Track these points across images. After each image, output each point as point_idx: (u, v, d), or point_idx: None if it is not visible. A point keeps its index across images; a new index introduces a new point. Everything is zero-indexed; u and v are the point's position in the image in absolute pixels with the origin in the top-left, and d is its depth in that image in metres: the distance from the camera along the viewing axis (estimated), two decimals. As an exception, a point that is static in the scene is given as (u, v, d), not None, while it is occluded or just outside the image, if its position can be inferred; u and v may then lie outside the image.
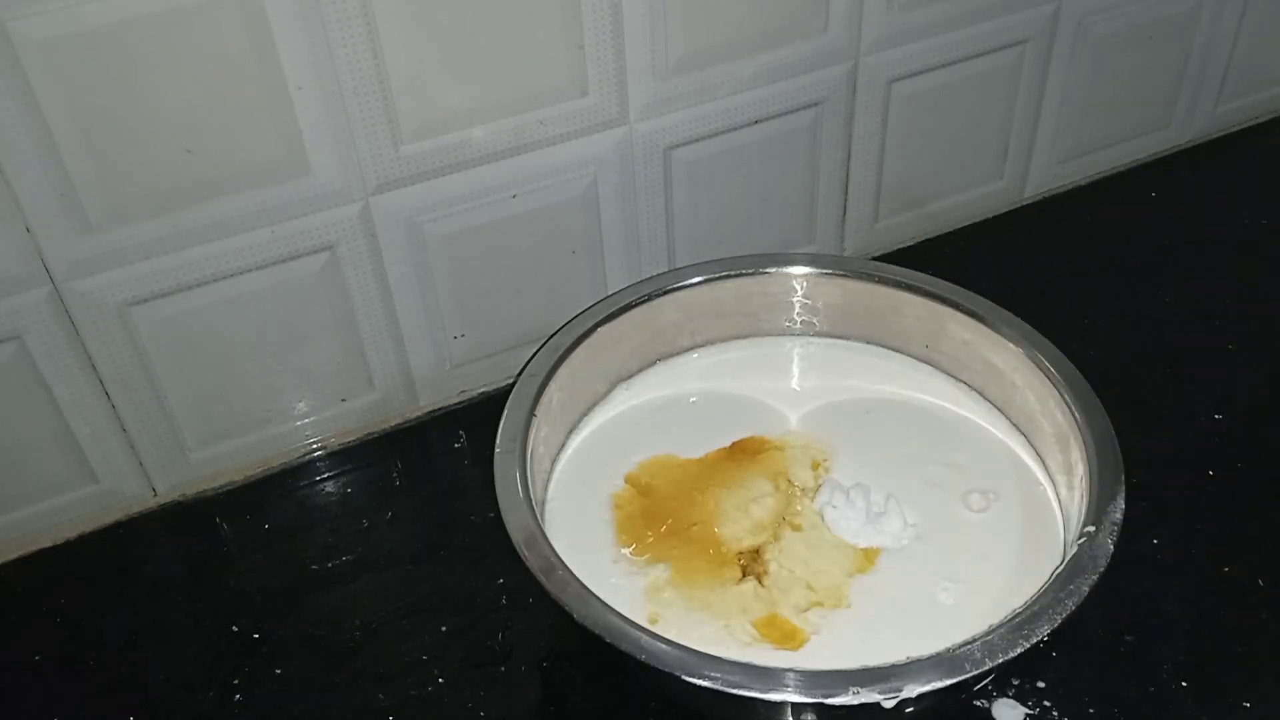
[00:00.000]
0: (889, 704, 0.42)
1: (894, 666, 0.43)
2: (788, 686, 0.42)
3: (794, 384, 0.64)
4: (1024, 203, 0.84)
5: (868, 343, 0.65)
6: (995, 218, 0.83)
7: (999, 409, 0.61)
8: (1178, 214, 0.84)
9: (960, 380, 0.62)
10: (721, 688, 0.42)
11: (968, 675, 0.42)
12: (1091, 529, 0.48)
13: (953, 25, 0.71)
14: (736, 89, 0.65)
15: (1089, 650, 0.53)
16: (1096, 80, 0.80)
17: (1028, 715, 0.51)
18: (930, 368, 0.63)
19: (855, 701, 0.42)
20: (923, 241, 0.81)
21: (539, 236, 0.65)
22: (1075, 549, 0.47)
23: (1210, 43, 0.84)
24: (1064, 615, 0.44)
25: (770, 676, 0.43)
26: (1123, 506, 0.49)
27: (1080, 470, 0.52)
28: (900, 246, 0.80)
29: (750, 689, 0.42)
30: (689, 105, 0.65)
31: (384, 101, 0.56)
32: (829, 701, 0.42)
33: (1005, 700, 0.51)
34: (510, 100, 0.59)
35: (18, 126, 0.49)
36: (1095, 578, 0.46)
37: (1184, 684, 0.52)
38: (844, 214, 0.76)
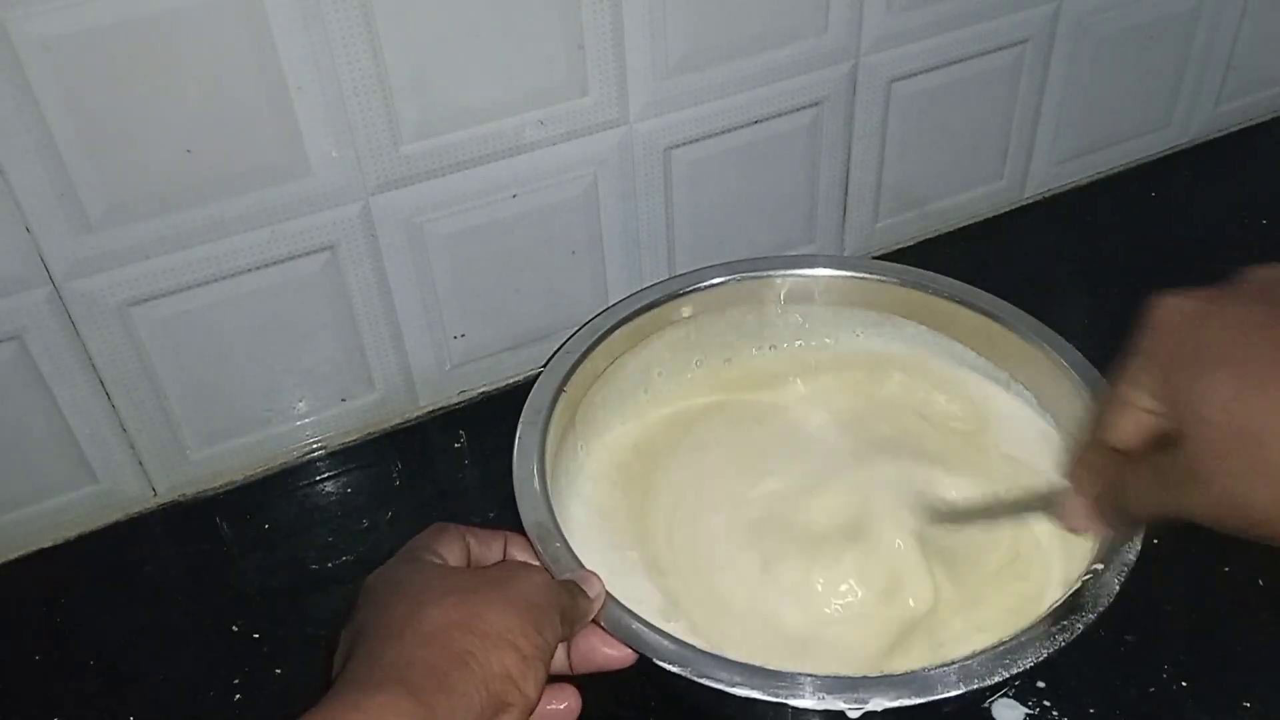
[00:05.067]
0: (854, 714, 0.42)
1: (864, 678, 0.43)
2: (752, 682, 0.43)
3: (823, 388, 0.63)
4: (1024, 203, 0.84)
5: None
6: (995, 218, 0.83)
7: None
8: (1178, 214, 0.84)
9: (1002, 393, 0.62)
10: (691, 676, 0.43)
11: (937, 697, 0.42)
12: (1099, 567, 0.46)
13: (953, 25, 0.71)
14: (736, 89, 0.65)
15: (1089, 650, 0.53)
16: (1096, 80, 0.80)
17: (1028, 715, 0.51)
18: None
19: (819, 707, 0.42)
20: (923, 241, 0.81)
21: (539, 236, 0.65)
22: (1079, 585, 0.46)
23: (1210, 43, 0.84)
24: (1050, 650, 0.43)
25: (739, 671, 0.43)
26: (1138, 549, 0.47)
27: None
28: (900, 246, 0.80)
29: (716, 679, 0.43)
30: (689, 105, 0.65)
31: (384, 101, 0.56)
32: (791, 703, 0.42)
33: (1005, 700, 0.51)
34: (510, 100, 0.59)
35: (18, 126, 0.49)
36: (1093, 617, 0.45)
37: (1184, 684, 0.52)
38: (844, 214, 0.76)
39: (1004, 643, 0.44)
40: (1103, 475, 0.42)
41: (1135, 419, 0.39)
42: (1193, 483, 0.36)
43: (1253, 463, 0.34)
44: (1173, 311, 0.38)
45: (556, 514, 0.50)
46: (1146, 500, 0.39)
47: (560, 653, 0.46)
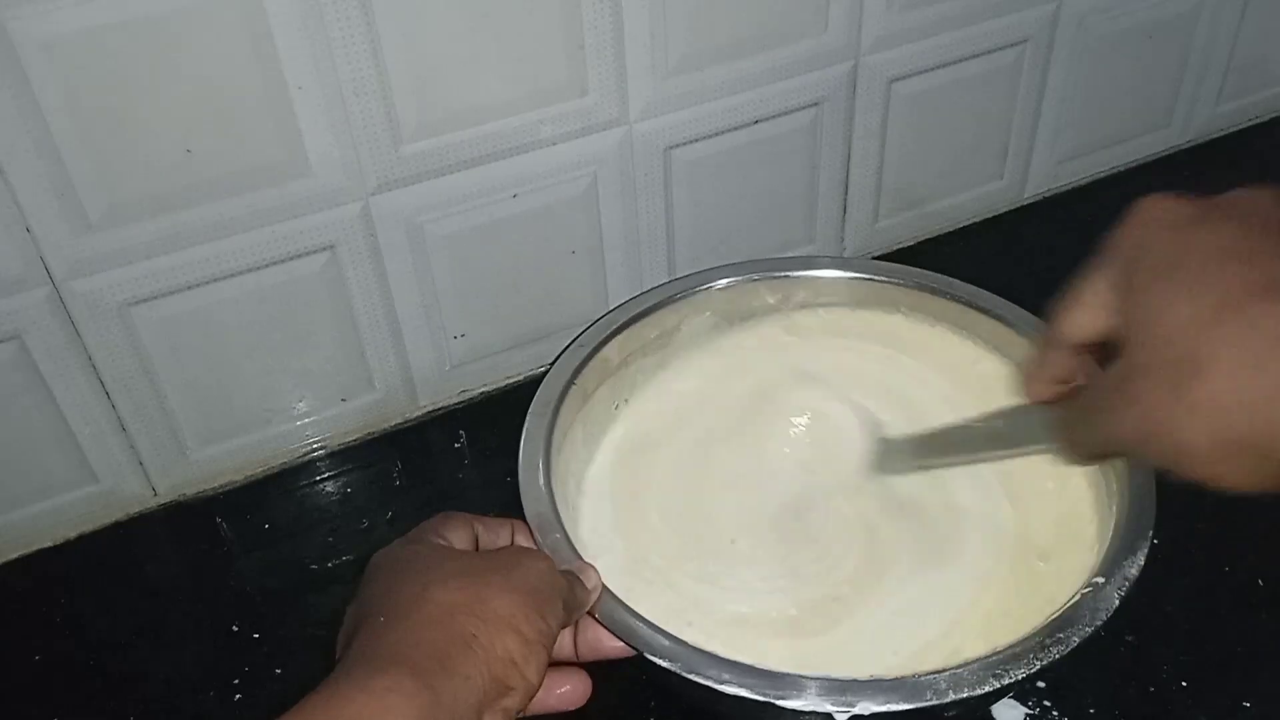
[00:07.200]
0: (841, 717, 0.42)
1: (853, 681, 0.43)
2: (741, 681, 0.42)
3: (834, 388, 0.63)
4: (1024, 203, 0.84)
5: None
6: (995, 218, 0.83)
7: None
8: (1178, 214, 0.84)
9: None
10: (681, 671, 0.43)
11: (927, 704, 0.42)
12: (1100, 580, 0.46)
13: (953, 25, 0.71)
14: (736, 89, 0.65)
15: (1089, 650, 0.53)
16: (1096, 80, 0.80)
17: (1028, 715, 0.51)
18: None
19: (806, 708, 0.42)
20: (923, 241, 0.81)
21: (539, 236, 0.65)
22: (1078, 598, 0.45)
23: (1210, 43, 0.84)
24: (1044, 663, 0.43)
25: (728, 668, 0.43)
26: (1141, 563, 0.46)
27: (1113, 515, 0.50)
28: (900, 246, 0.80)
29: (705, 676, 0.43)
30: (689, 105, 0.65)
31: (384, 101, 0.56)
32: (780, 703, 0.42)
33: (1005, 700, 0.51)
34: (510, 100, 0.59)
35: (18, 126, 0.49)
36: (1089, 630, 0.44)
37: (1184, 684, 0.52)
38: (844, 214, 0.76)
39: (998, 652, 0.43)
40: (1059, 379, 0.41)
41: (1089, 315, 0.38)
42: (1119, 405, 0.34)
43: (1185, 392, 0.31)
44: (1155, 211, 0.35)
45: (559, 505, 0.50)
46: (1086, 423, 0.37)
47: (567, 641, 0.46)
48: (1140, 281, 0.35)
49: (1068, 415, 0.39)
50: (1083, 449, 0.39)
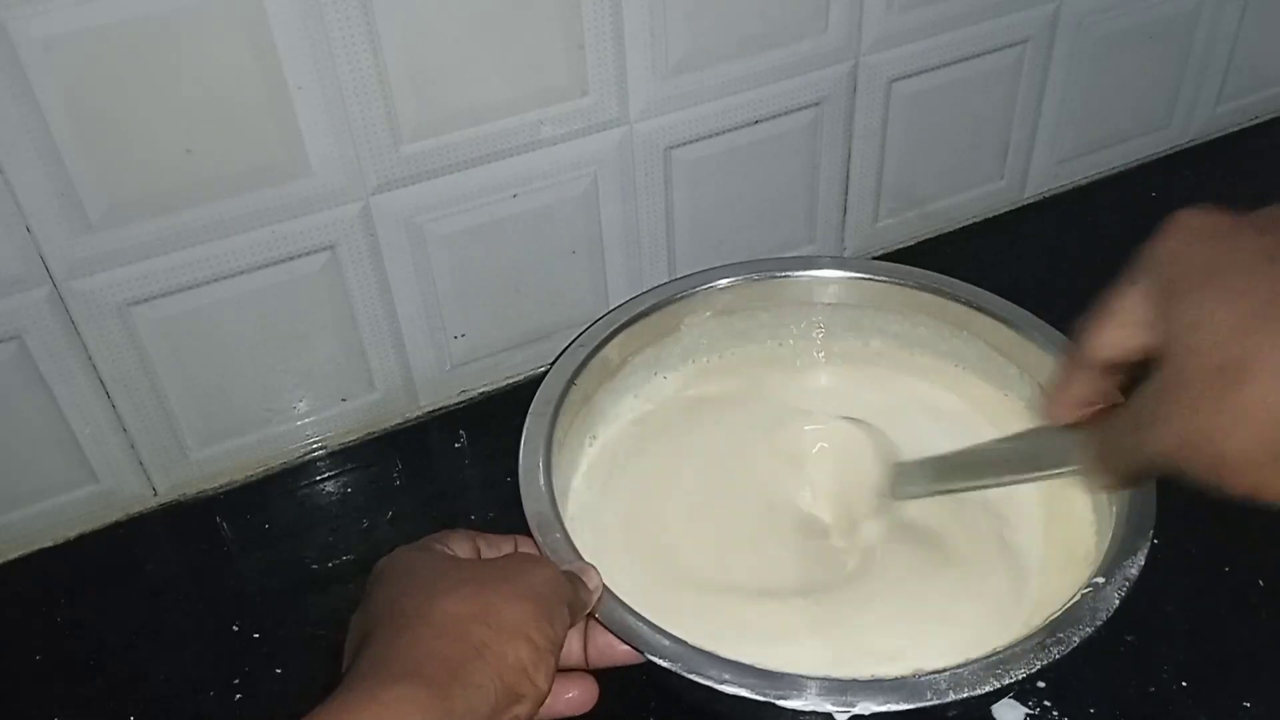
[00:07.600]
0: (841, 717, 0.42)
1: (853, 681, 0.43)
2: (741, 681, 0.43)
3: (825, 387, 0.63)
4: (1024, 203, 0.84)
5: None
6: (995, 218, 0.83)
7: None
8: (1178, 214, 0.84)
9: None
10: (681, 671, 0.43)
11: (926, 704, 0.42)
12: (1100, 580, 0.46)
13: (953, 25, 0.71)
14: (736, 89, 0.66)
15: (1089, 650, 0.53)
16: (1096, 80, 0.80)
17: (1028, 715, 0.51)
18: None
19: (806, 708, 0.42)
20: (923, 241, 0.81)
21: (539, 236, 0.65)
22: (1078, 598, 0.45)
23: (1210, 43, 0.84)
24: (1043, 663, 0.43)
25: (729, 669, 0.43)
26: (1141, 563, 0.46)
27: (1113, 513, 0.50)
28: (900, 246, 0.80)
29: (705, 676, 0.43)
30: (689, 105, 0.65)
31: (384, 101, 0.56)
32: (780, 703, 0.42)
33: (1005, 700, 0.51)
34: (510, 100, 0.59)
35: (18, 126, 0.49)
36: (1089, 630, 0.44)
37: (1184, 684, 0.52)
38: (844, 214, 0.76)
39: (998, 652, 0.43)
40: (1086, 401, 0.39)
41: (1122, 332, 0.36)
42: (1162, 418, 0.33)
43: (1228, 401, 0.31)
44: (1186, 226, 0.35)
45: (559, 505, 0.50)
46: (1122, 441, 0.36)
47: (576, 647, 0.46)
48: (1177, 292, 0.34)
49: (1099, 435, 0.38)
50: (1116, 470, 0.38)
